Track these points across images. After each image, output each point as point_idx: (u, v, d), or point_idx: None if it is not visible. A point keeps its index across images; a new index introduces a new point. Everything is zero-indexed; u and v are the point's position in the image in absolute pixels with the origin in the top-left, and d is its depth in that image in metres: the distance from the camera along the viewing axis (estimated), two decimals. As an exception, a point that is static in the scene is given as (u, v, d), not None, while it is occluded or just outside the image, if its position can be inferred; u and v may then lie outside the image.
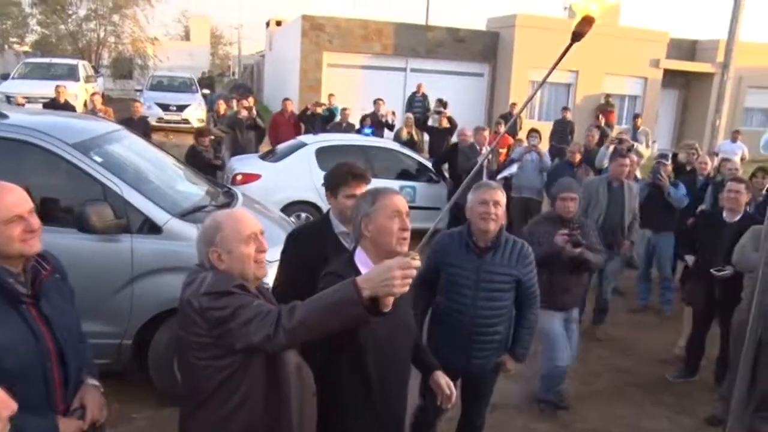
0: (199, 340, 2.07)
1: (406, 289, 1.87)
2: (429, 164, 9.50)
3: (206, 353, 2.08)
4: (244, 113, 11.18)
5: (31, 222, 2.11)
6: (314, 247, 2.86)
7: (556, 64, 1.87)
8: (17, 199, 2.11)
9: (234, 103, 12.93)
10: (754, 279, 4.56)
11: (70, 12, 28.01)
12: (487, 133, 8.91)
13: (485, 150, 8.43)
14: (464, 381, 3.60)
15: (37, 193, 2.41)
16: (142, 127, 10.45)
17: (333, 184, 3.05)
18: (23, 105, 9.81)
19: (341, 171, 3.06)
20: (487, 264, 3.35)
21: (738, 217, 5.28)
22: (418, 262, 1.90)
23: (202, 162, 8.12)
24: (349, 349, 2.35)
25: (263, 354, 2.08)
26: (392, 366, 2.51)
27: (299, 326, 1.92)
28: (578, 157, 8.38)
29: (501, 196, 3.34)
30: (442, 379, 2.77)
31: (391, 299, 1.92)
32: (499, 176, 8.70)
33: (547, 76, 2.08)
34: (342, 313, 1.88)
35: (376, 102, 13.12)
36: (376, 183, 9.03)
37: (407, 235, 2.44)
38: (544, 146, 14.09)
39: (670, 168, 7.94)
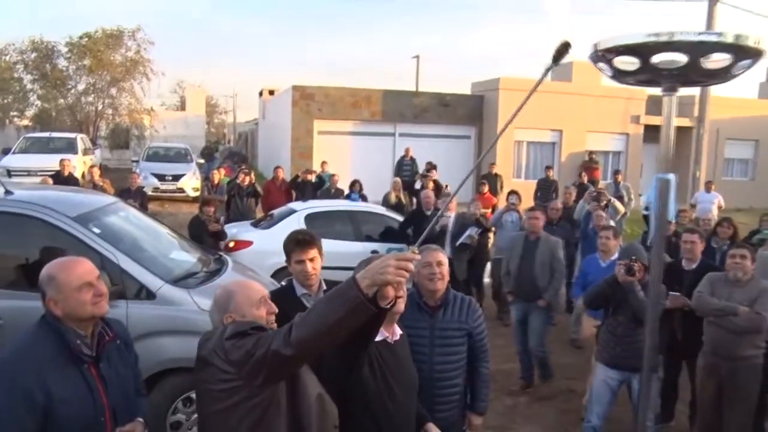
0: (227, 386, 2.15)
1: (403, 279, 1.96)
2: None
3: (237, 396, 2.15)
4: (245, 180, 11.49)
5: (99, 287, 2.46)
6: (279, 311, 3.17)
7: (538, 83, 1.93)
8: (86, 269, 2.47)
9: (223, 171, 13.37)
10: (713, 324, 4.91)
11: (69, 86, 28.75)
12: (453, 203, 8.83)
13: (450, 214, 8.44)
14: None
15: (40, 264, 2.68)
16: (139, 198, 10.88)
17: (286, 251, 3.41)
18: (48, 182, 10.30)
19: (289, 239, 3.42)
20: (439, 321, 3.52)
21: (695, 266, 5.59)
22: (418, 256, 2.02)
23: (205, 231, 8.15)
24: (356, 399, 2.57)
25: (286, 385, 2.21)
26: (398, 416, 2.73)
27: (308, 317, 2.03)
28: (557, 214, 8.73)
29: (443, 257, 3.55)
30: (434, 430, 2.99)
31: (390, 293, 2.03)
32: (457, 243, 8.49)
33: (536, 87, 1.96)
34: (344, 303, 1.96)
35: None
36: (363, 246, 9.39)
37: (402, 293, 2.67)
38: (528, 205, 14.60)
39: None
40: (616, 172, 14.57)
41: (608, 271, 5.46)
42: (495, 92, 20.98)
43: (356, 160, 19.70)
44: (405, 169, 15.99)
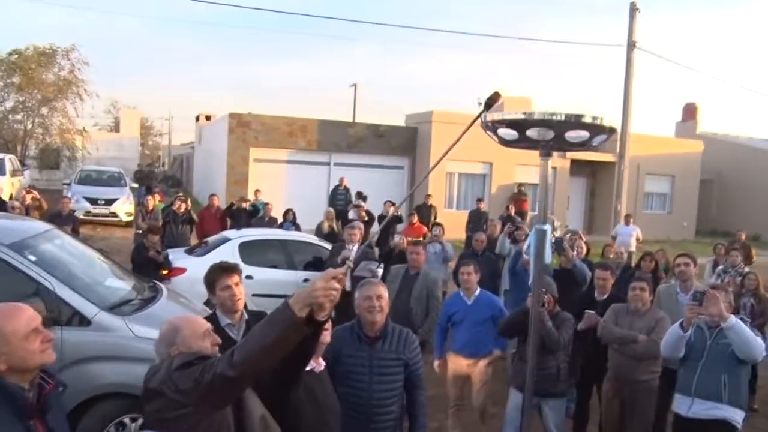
0: (179, 413, 2.24)
1: (331, 299, 2.10)
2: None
3: (190, 422, 2.24)
4: (181, 207, 11.52)
5: (46, 333, 2.27)
6: None
7: (469, 127, 2.08)
8: (31, 315, 2.26)
9: (158, 197, 13.37)
10: (616, 351, 5.38)
11: (-5, 103, 27.88)
12: (356, 231, 8.54)
13: (353, 246, 8.15)
14: None
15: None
16: (71, 222, 10.78)
17: (210, 281, 3.61)
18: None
19: (212, 270, 3.65)
20: (378, 351, 3.70)
21: (605, 297, 6.09)
22: (342, 271, 2.13)
23: (148, 259, 8.11)
24: (293, 423, 2.75)
25: (233, 408, 2.33)
26: None
27: (248, 340, 2.19)
28: (481, 245, 9.09)
29: (383, 291, 3.77)
30: None
31: (325, 311, 2.15)
32: (354, 273, 7.61)
33: (471, 124, 2.12)
34: (279, 325, 2.11)
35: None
36: (296, 274, 9.31)
37: (327, 326, 2.85)
38: (460, 235, 15.10)
39: (582, 243, 8.61)
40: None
41: (474, 309, 5.72)
42: (428, 124, 21.55)
43: (291, 189, 19.89)
44: (339, 198, 16.32)
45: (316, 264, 9.22)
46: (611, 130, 2.04)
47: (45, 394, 2.27)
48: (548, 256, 1.85)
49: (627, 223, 15.50)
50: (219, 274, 3.59)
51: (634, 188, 23.18)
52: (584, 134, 1.99)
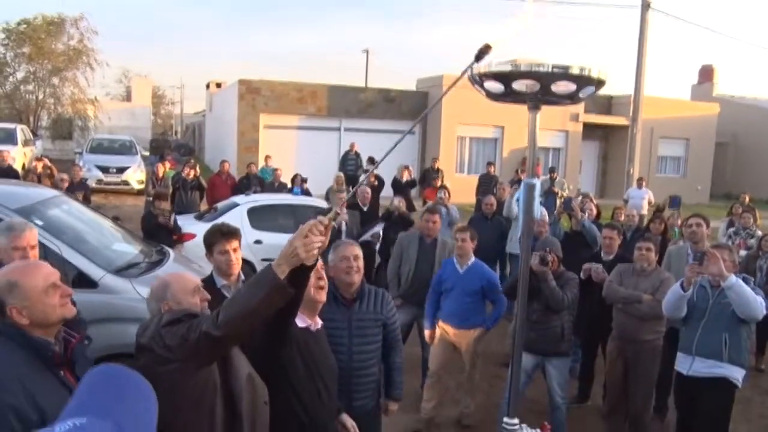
0: (167, 368, 2.26)
1: (314, 252, 2.13)
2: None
3: (177, 377, 2.27)
4: (190, 173, 11.62)
5: (65, 288, 2.31)
6: None
7: (457, 80, 2.16)
8: (49, 270, 2.30)
9: (168, 164, 13.46)
10: (620, 311, 5.39)
11: (7, 74, 27.95)
12: (343, 195, 8.31)
13: (343, 212, 7.74)
14: None
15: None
16: (82, 190, 10.89)
17: (208, 243, 3.59)
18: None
19: (212, 232, 3.63)
20: (356, 312, 3.64)
21: (611, 257, 6.10)
22: (322, 221, 2.13)
23: (159, 225, 8.10)
24: (284, 381, 2.78)
25: (219, 367, 2.37)
26: (323, 400, 2.93)
27: (233, 300, 2.24)
28: (491, 208, 9.06)
29: (359, 251, 3.68)
30: (348, 420, 3.18)
31: (315, 262, 2.22)
32: (361, 239, 8.02)
33: (460, 77, 2.16)
34: (263, 287, 2.15)
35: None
36: None
37: (323, 284, 2.92)
38: (471, 200, 15.06)
39: (593, 206, 8.56)
40: (551, 170, 15.18)
41: (466, 278, 5.53)
42: (439, 89, 21.38)
43: (302, 155, 19.92)
44: (349, 163, 16.27)
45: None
46: (600, 82, 2.01)
47: (71, 347, 2.34)
48: (537, 211, 1.83)
49: (639, 186, 15.40)
50: (218, 237, 3.58)
51: (647, 152, 22.98)
52: (572, 86, 1.97)
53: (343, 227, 7.93)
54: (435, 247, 6.40)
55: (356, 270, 3.61)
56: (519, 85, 1.97)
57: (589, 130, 23.98)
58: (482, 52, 1.99)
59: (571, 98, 2.05)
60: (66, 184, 9.72)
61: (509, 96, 2.04)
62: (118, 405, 1.17)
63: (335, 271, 3.64)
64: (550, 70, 1.92)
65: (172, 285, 2.55)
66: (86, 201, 9.98)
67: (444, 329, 5.64)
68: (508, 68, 1.97)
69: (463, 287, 5.52)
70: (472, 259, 5.65)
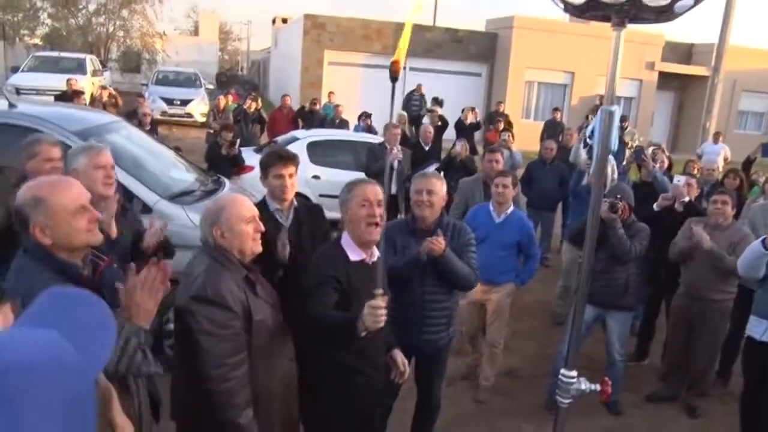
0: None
1: (381, 324, 2.45)
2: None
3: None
4: (252, 106, 11.59)
5: (94, 212, 2.16)
6: None
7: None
8: (80, 190, 2.15)
9: (231, 97, 13.47)
10: (690, 267, 5.06)
11: (81, 6, 28.43)
12: (398, 131, 8.02)
13: (396, 150, 7.49)
14: (418, 360, 3.77)
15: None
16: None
17: (264, 165, 3.42)
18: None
19: (269, 154, 3.47)
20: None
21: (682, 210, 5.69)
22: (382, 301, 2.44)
23: (222, 157, 8.05)
24: None
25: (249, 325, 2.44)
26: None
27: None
28: (551, 153, 8.55)
29: (435, 184, 3.56)
30: (399, 356, 3.06)
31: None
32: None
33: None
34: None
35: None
36: (363, 176, 9.03)
37: (377, 220, 2.76)
38: (535, 147, 14.60)
39: (664, 157, 8.12)
40: (622, 119, 14.48)
41: (503, 229, 4.90)
42: (509, 30, 20.70)
43: (366, 93, 19.62)
44: (414, 104, 15.95)
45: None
46: (699, -6, 1.73)
47: (99, 271, 2.24)
48: (614, 143, 1.63)
49: (716, 141, 14.53)
50: (275, 160, 3.39)
51: (727, 105, 21.78)
52: (666, -2, 1.69)
53: (395, 165, 7.69)
54: None
55: (428, 204, 3.55)
56: (606, -4, 1.69)
57: (665, 79, 22.83)
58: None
59: (664, 12, 1.77)
60: (149, 119, 9.64)
61: (591, 10, 1.78)
62: (66, 322, 1.06)
63: (412, 202, 3.66)
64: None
65: (228, 209, 2.46)
66: (151, 132, 10.05)
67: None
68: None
69: (498, 240, 4.86)
70: (511, 207, 4.99)
